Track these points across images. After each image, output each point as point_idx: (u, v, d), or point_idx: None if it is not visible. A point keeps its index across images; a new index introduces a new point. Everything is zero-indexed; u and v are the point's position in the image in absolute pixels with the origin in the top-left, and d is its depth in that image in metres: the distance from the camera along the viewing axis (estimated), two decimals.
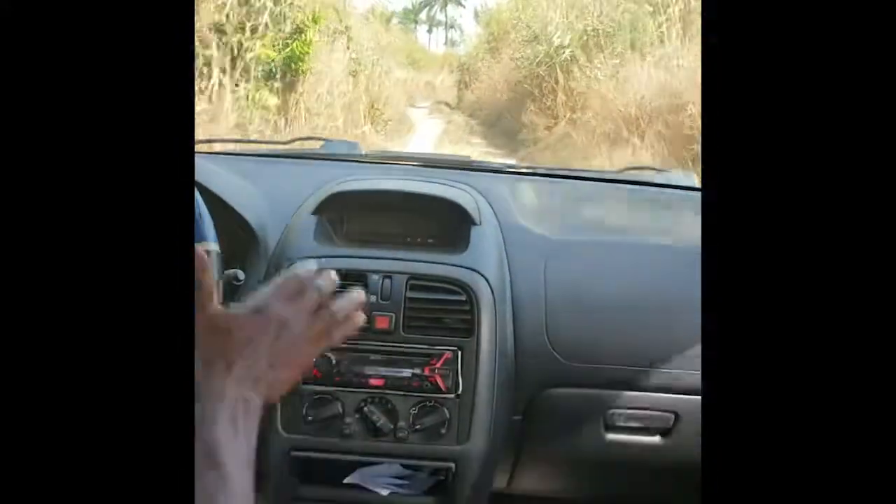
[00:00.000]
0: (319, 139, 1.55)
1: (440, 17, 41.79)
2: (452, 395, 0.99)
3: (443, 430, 0.99)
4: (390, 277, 1.00)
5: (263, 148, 1.58)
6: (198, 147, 1.38)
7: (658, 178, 1.47)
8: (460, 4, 40.96)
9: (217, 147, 1.54)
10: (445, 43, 40.84)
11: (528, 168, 1.52)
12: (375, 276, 1.00)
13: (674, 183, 1.44)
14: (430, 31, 43.06)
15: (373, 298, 0.99)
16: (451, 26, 40.71)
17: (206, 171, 1.02)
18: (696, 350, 1.04)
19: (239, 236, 1.05)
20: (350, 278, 1.00)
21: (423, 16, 42.36)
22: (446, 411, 0.99)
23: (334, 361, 0.98)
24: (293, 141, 1.56)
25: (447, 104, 18.30)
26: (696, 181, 1.43)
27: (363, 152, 1.52)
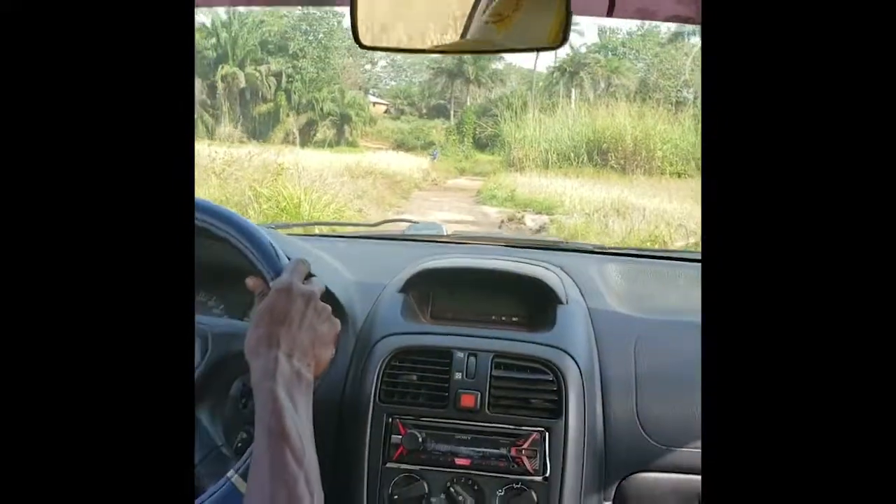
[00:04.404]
0: (406, 221, 1.74)
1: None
2: (540, 478, 1.07)
3: None
4: (475, 355, 1.12)
5: (354, 230, 1.78)
6: (296, 230, 1.58)
7: None
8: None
9: (314, 229, 1.77)
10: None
11: (614, 249, 1.62)
12: (460, 354, 1.12)
13: None
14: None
15: (458, 376, 1.10)
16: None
17: (301, 251, 1.19)
18: None
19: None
20: (435, 355, 1.12)
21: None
22: (534, 494, 1.07)
23: (420, 439, 1.09)
24: (382, 223, 1.75)
25: None
26: None
27: (447, 233, 1.69)
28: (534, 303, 1.25)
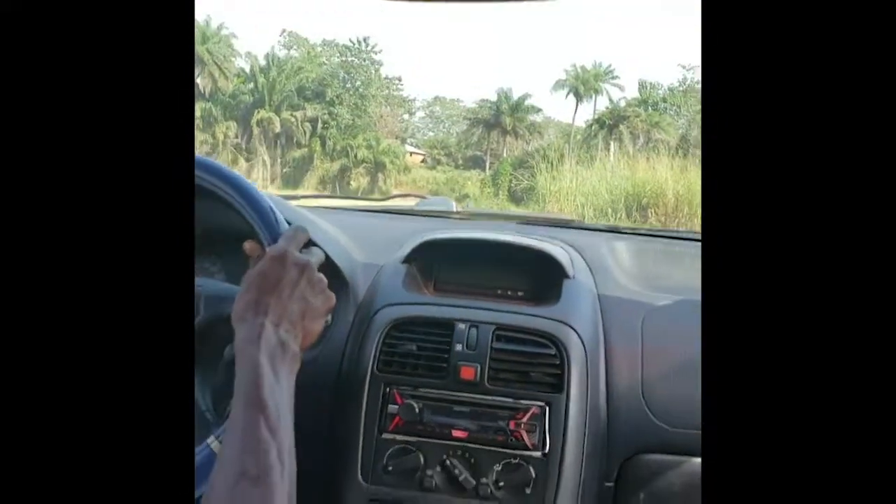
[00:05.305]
0: (417, 196, 1.77)
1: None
2: (539, 454, 1.06)
3: (527, 490, 1.05)
4: (477, 327, 1.12)
5: (364, 203, 1.81)
6: (313, 202, 1.62)
7: None
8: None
9: (324, 202, 1.80)
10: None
11: (627, 228, 1.63)
12: (462, 325, 1.12)
13: None
14: None
15: (458, 348, 1.10)
16: None
17: (305, 222, 1.21)
18: None
19: (331, 283, 1.22)
20: (436, 325, 1.13)
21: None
22: (532, 470, 1.05)
23: (417, 409, 1.09)
24: (392, 197, 1.78)
25: None
26: None
27: (457, 209, 1.71)
28: (539, 276, 1.26)
